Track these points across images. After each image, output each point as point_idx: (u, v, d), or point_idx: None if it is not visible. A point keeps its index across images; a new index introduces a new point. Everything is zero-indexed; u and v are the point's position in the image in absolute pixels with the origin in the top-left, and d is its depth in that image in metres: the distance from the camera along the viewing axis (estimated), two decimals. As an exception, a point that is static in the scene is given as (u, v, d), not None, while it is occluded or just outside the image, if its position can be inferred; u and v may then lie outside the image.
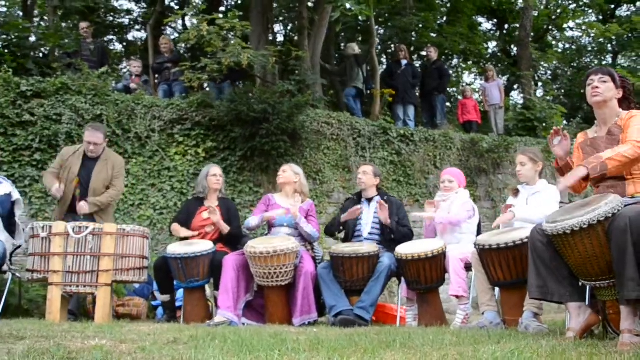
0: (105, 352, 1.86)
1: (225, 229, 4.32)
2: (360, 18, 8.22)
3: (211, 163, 5.79)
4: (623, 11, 14.24)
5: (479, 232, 4.13)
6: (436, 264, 3.78)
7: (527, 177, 3.64)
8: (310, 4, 8.94)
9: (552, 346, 2.05)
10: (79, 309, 4.35)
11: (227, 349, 2.04)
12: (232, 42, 6.46)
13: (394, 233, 4.20)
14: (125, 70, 10.11)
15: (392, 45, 11.64)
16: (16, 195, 4.08)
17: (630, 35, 12.66)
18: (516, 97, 13.95)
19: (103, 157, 4.47)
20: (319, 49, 8.55)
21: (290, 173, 4.44)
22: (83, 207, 4.28)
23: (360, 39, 11.23)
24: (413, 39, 11.25)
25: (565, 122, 10.18)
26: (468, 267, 3.81)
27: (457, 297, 3.74)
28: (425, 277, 3.77)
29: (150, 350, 2.01)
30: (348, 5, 6.77)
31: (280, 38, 11.96)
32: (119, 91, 6.75)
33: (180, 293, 4.46)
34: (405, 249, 3.87)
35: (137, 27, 12.18)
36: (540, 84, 13.44)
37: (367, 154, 7.35)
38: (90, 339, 2.33)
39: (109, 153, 4.59)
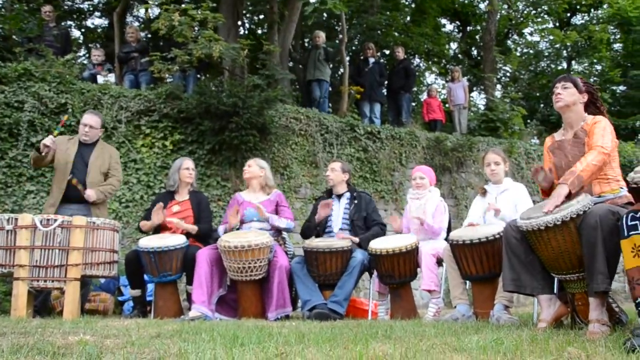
0: (97, 347, 1.82)
1: (193, 230, 4.24)
2: (332, 11, 8.17)
3: (180, 156, 5.69)
4: (577, 19, 14.93)
5: (449, 229, 4.25)
6: (409, 259, 3.88)
7: (500, 177, 3.77)
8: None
9: (531, 336, 2.15)
10: (45, 304, 4.19)
11: (220, 342, 2.03)
12: (205, 32, 6.34)
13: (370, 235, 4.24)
14: (84, 59, 9.76)
15: (357, 43, 11.74)
16: None
17: (585, 43, 13.26)
18: (476, 97, 14.38)
19: (99, 146, 4.40)
20: (288, 44, 8.53)
21: (255, 167, 4.43)
22: (91, 194, 4.16)
23: (325, 36, 11.25)
24: (378, 37, 11.38)
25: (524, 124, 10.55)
26: (439, 262, 3.92)
27: (429, 291, 3.85)
28: (399, 271, 3.86)
29: (140, 344, 1.98)
30: None
31: (245, 31, 11.83)
32: (85, 80, 6.52)
33: (150, 287, 4.38)
34: (379, 244, 3.94)
35: (97, 13, 11.78)
36: (499, 86, 13.90)
37: (335, 150, 7.41)
38: (70, 335, 2.27)
39: (104, 143, 4.56)
